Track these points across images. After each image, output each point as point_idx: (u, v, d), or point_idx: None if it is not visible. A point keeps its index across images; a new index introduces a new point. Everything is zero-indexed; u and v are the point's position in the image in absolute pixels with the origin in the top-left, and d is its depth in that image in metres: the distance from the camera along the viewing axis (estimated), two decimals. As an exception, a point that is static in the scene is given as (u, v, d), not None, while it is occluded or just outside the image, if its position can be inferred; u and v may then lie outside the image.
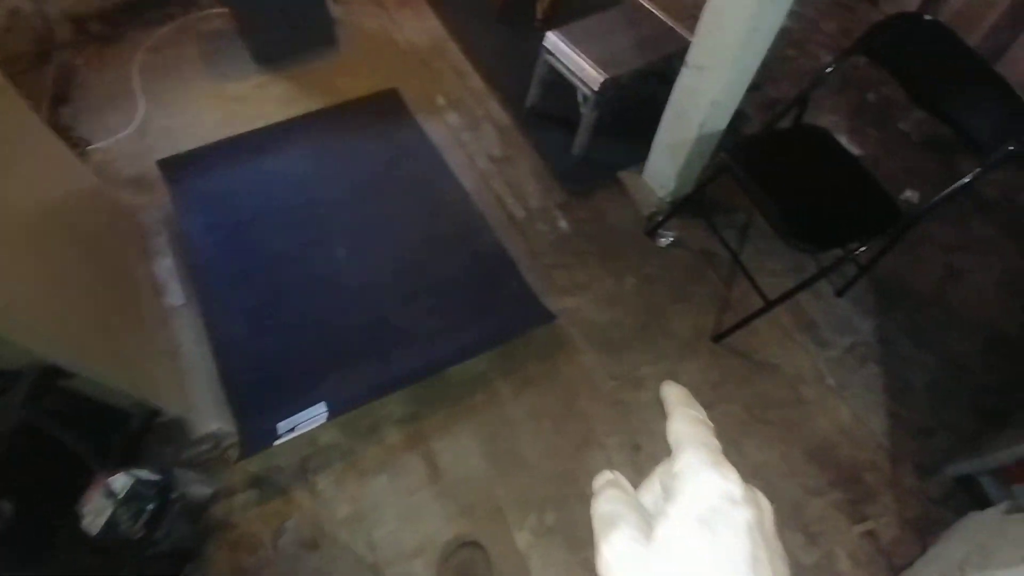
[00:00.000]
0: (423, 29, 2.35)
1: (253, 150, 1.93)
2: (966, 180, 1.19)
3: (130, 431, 1.12)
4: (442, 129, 2.05)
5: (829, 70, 1.37)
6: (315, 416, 1.38)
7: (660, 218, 1.80)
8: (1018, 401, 1.54)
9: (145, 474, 0.95)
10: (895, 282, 1.80)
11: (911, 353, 1.66)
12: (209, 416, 1.35)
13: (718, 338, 1.63)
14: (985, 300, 1.79)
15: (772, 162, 1.45)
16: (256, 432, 1.37)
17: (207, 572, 1.23)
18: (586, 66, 1.76)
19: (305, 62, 2.18)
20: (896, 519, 1.40)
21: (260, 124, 1.98)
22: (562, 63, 1.84)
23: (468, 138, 2.04)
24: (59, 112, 1.99)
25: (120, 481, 0.89)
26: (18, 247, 1.05)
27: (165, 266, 1.59)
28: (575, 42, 1.82)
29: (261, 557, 1.26)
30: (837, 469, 1.45)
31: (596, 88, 1.75)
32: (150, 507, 0.92)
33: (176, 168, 1.87)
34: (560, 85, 1.88)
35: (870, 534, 1.37)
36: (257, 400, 1.42)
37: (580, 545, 1.30)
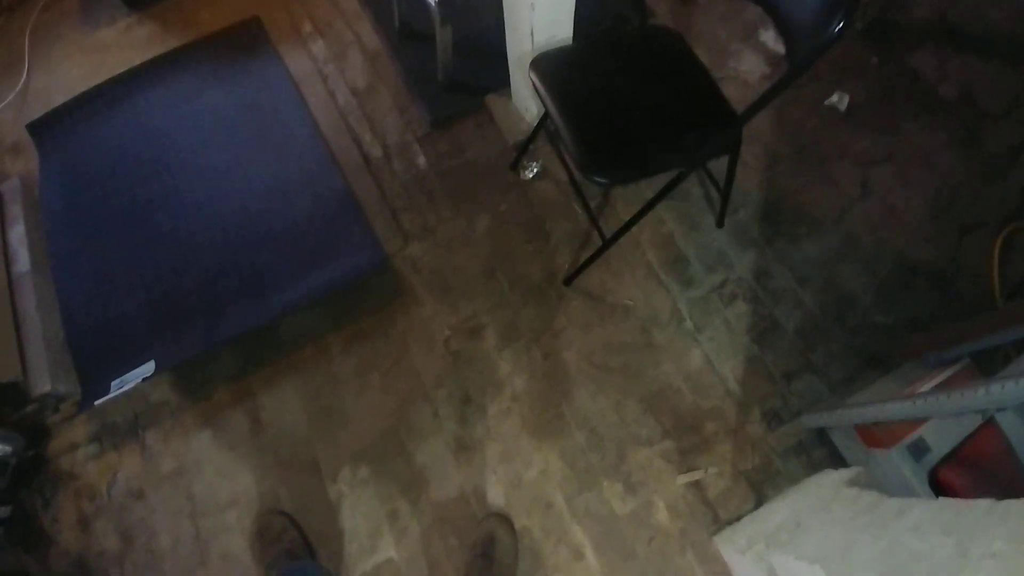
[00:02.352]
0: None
1: (109, 102, 1.87)
2: (784, 77, 0.95)
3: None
4: (304, 61, 1.89)
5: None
6: (141, 373, 1.43)
7: (525, 147, 1.62)
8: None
9: None
10: (791, 207, 1.57)
11: (789, 288, 1.47)
12: (47, 378, 1.43)
13: (568, 280, 1.50)
14: (902, 225, 1.53)
15: (587, 75, 1.22)
16: (92, 390, 1.44)
17: (57, 516, 1.36)
18: (428, -26, 1.53)
19: (170, -1, 2.04)
20: (731, 470, 1.31)
21: (123, 71, 1.91)
22: (411, -29, 1.61)
23: (332, 70, 1.88)
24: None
25: None
26: None
27: (16, 234, 1.62)
28: (424, -56, 1.57)
29: (98, 504, 1.37)
30: (674, 417, 1.36)
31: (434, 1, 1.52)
32: None
33: (43, 129, 1.86)
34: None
35: (696, 484, 1.30)
36: (95, 359, 1.48)
37: (390, 497, 1.32)
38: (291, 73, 1.86)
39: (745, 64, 1.78)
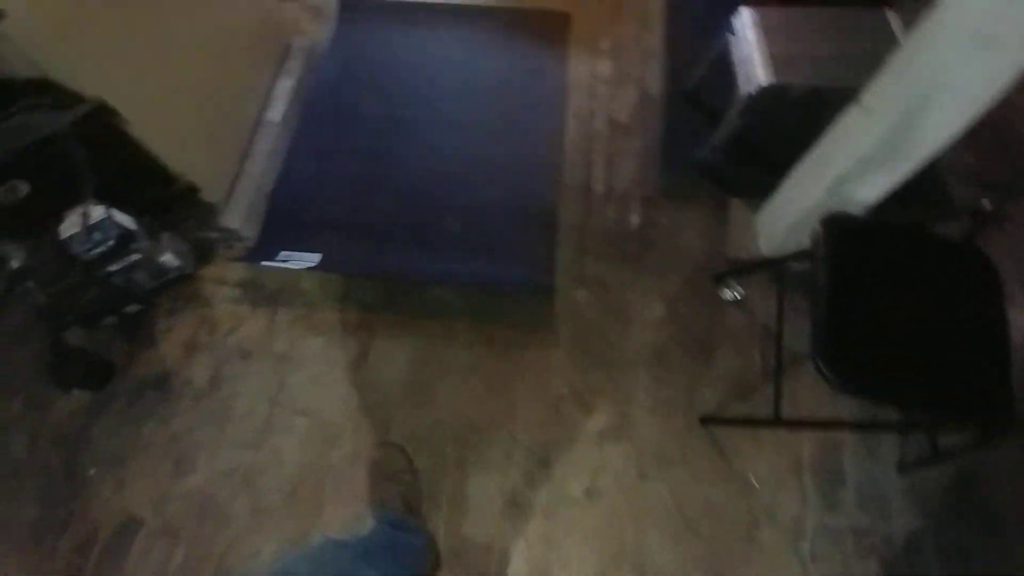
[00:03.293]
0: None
1: (415, 20, 2.02)
2: None
3: (166, 192, 1.36)
4: (584, 71, 1.91)
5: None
6: (307, 260, 1.53)
7: (742, 270, 1.50)
8: None
9: (121, 217, 1.17)
10: (983, 490, 1.30)
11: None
12: (240, 217, 1.57)
13: (707, 420, 1.37)
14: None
15: (874, 261, 1.08)
16: (265, 249, 1.57)
17: (171, 330, 1.50)
18: (757, 60, 1.45)
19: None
20: None
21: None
22: (738, 47, 1.54)
23: (603, 92, 1.87)
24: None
25: (96, 212, 1.12)
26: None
27: (284, 85, 1.81)
28: (766, 28, 1.50)
29: (210, 340, 1.49)
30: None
31: (754, 90, 1.44)
32: (109, 243, 1.15)
33: (351, 9, 2.06)
34: (729, 75, 1.59)
35: None
36: (282, 225, 1.61)
37: (427, 500, 1.29)
38: (567, 76, 1.88)
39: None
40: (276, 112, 1.75)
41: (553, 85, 1.86)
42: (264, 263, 1.52)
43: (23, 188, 1.07)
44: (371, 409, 1.40)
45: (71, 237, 1.12)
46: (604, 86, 1.89)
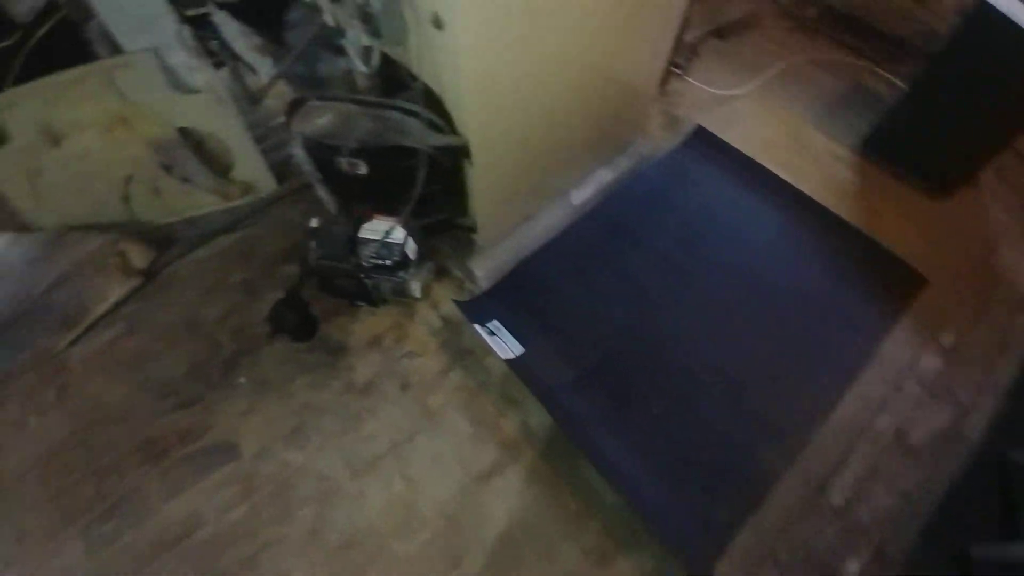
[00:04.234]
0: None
1: (753, 184, 1.87)
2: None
3: (452, 221, 1.41)
4: (903, 356, 1.55)
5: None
6: (508, 346, 1.47)
7: None
8: None
9: (410, 247, 1.21)
10: None
11: None
12: (485, 267, 1.58)
13: None
14: None
15: None
16: (480, 305, 1.55)
17: (373, 326, 1.56)
18: None
19: (912, 196, 1.88)
20: None
21: (795, 183, 1.87)
22: None
23: (912, 392, 1.50)
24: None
25: (397, 234, 1.17)
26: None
27: (602, 176, 1.78)
28: None
29: (391, 351, 1.52)
30: None
31: None
32: (387, 262, 1.19)
33: (703, 139, 1.98)
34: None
35: None
36: (508, 298, 1.57)
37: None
38: (881, 345, 1.55)
39: None
40: (579, 195, 1.73)
41: (859, 342, 1.55)
42: (472, 321, 1.50)
43: (363, 169, 1.16)
44: (459, 527, 1.29)
45: (365, 241, 1.19)
46: (917, 386, 1.51)
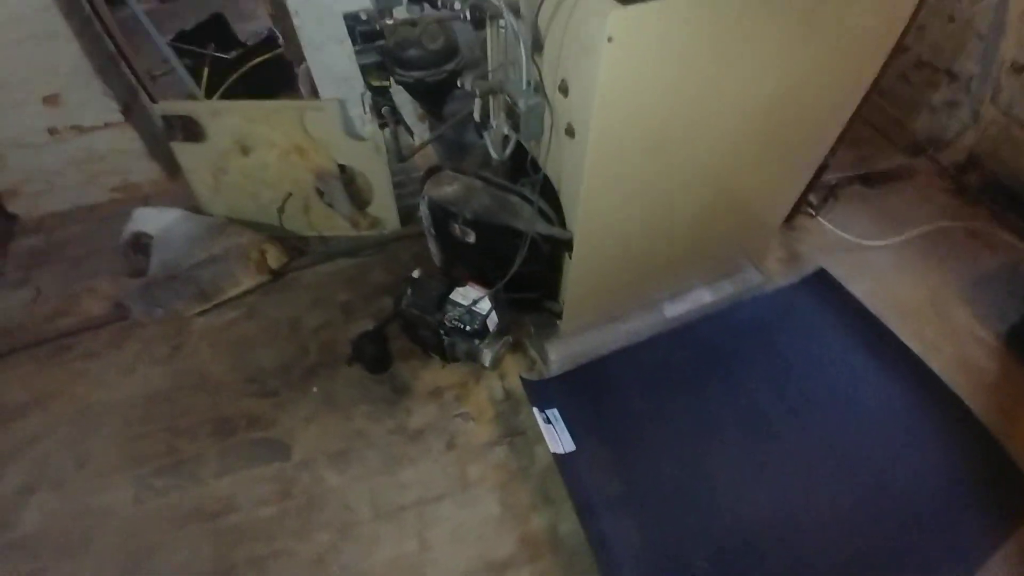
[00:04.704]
0: None
1: (872, 346, 1.69)
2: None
3: (541, 302, 1.46)
4: None
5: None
6: (561, 439, 1.44)
7: None
8: None
9: (492, 320, 1.27)
10: None
11: None
12: (561, 354, 1.59)
13: None
14: None
15: None
16: (547, 391, 1.55)
17: (440, 377, 1.63)
18: None
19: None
20: None
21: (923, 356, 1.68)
22: None
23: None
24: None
25: (483, 305, 1.23)
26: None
27: (700, 295, 1.74)
28: None
29: (447, 407, 1.57)
30: None
31: None
32: (468, 328, 1.26)
33: (817, 284, 1.87)
34: None
35: None
36: (582, 394, 1.56)
37: None
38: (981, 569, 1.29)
39: None
40: (673, 309, 1.69)
41: (955, 561, 1.30)
42: (533, 403, 1.50)
43: (471, 238, 1.26)
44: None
45: (454, 303, 1.28)
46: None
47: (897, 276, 1.93)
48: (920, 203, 2.18)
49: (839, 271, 1.90)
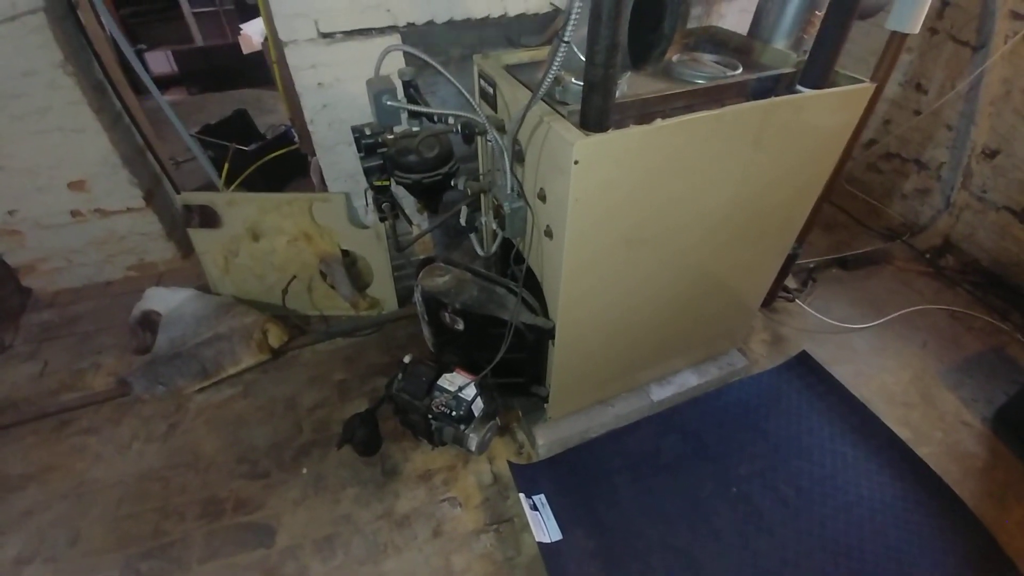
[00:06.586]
0: None
1: (859, 431, 1.71)
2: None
3: (528, 387, 1.51)
4: None
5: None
6: (546, 529, 1.44)
7: None
8: None
9: (476, 405, 1.32)
10: None
11: None
12: (550, 438, 1.61)
13: None
14: None
15: None
16: (534, 476, 1.56)
17: (429, 461, 1.65)
18: None
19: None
20: None
21: (911, 443, 1.69)
22: None
23: None
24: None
25: (469, 391, 1.29)
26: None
27: (686, 377, 1.78)
28: None
29: (435, 493, 1.57)
30: None
31: None
32: (453, 414, 1.30)
33: (801, 368, 1.91)
34: None
35: None
36: (568, 479, 1.57)
37: None
38: None
39: None
40: (660, 392, 1.73)
41: None
42: (520, 489, 1.50)
43: (460, 326, 1.34)
44: None
45: (441, 389, 1.34)
46: None
47: (880, 360, 1.97)
48: (898, 286, 2.26)
49: (822, 354, 1.94)
